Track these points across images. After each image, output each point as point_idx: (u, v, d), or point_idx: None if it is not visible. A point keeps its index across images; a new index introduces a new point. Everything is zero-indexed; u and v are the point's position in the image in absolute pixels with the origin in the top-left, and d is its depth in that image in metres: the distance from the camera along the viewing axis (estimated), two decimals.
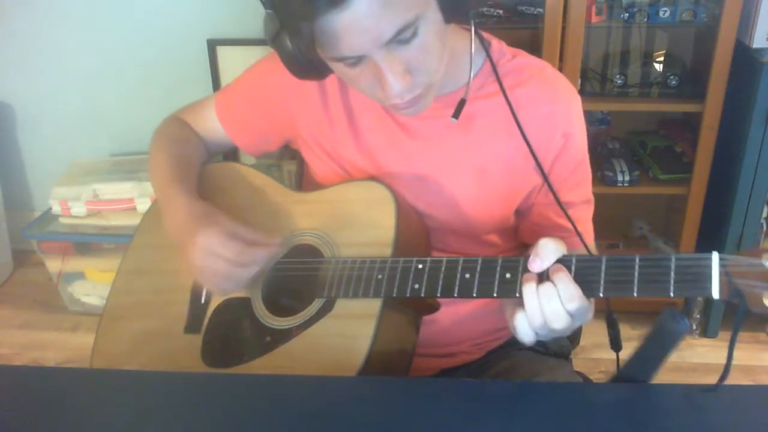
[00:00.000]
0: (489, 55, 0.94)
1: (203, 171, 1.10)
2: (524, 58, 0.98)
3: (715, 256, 0.67)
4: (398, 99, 0.82)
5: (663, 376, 0.77)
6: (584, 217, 1.02)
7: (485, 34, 0.98)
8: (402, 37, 0.77)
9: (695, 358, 1.97)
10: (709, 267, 0.67)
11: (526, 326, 0.76)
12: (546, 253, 0.75)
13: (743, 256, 0.66)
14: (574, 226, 0.93)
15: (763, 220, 1.89)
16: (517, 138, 0.93)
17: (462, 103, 0.90)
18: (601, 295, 0.72)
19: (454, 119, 0.90)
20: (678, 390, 0.75)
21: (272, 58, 1.05)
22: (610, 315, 0.92)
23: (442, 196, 0.97)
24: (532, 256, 0.75)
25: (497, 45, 0.98)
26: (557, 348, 1.10)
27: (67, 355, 2.11)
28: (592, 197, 1.03)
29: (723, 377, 0.70)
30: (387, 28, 0.75)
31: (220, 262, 0.88)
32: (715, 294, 0.66)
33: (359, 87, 0.85)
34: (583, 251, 0.93)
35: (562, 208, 0.92)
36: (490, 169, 0.96)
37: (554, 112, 0.95)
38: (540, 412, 0.74)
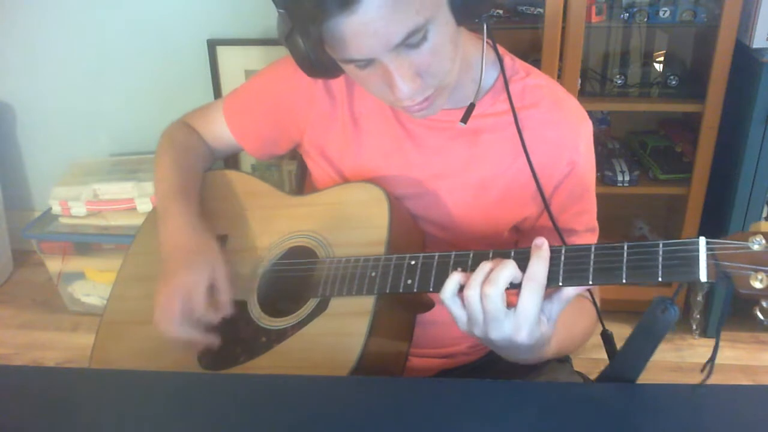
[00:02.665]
0: (503, 71, 0.93)
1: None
2: (536, 77, 0.97)
3: (702, 240, 0.68)
4: (409, 101, 0.82)
5: (663, 376, 0.77)
6: None
7: (500, 49, 0.97)
8: (411, 41, 0.76)
9: (695, 358, 1.97)
10: (696, 251, 0.68)
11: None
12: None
13: (730, 240, 0.67)
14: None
15: (763, 220, 1.89)
16: (521, 159, 0.93)
17: (471, 107, 0.90)
18: (591, 282, 0.72)
19: (462, 123, 0.90)
20: (677, 390, 0.75)
21: (281, 63, 1.05)
22: (604, 332, 0.92)
23: (438, 205, 0.97)
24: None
25: (510, 62, 0.97)
26: None
27: (67, 355, 2.11)
28: (596, 226, 1.02)
29: (710, 363, 0.70)
30: (396, 31, 0.75)
31: (175, 310, 0.90)
32: (703, 277, 0.67)
33: (370, 89, 0.85)
34: None
35: (560, 235, 0.92)
36: (490, 185, 0.96)
37: (562, 138, 0.94)
38: (540, 412, 0.74)
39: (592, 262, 0.73)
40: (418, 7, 0.74)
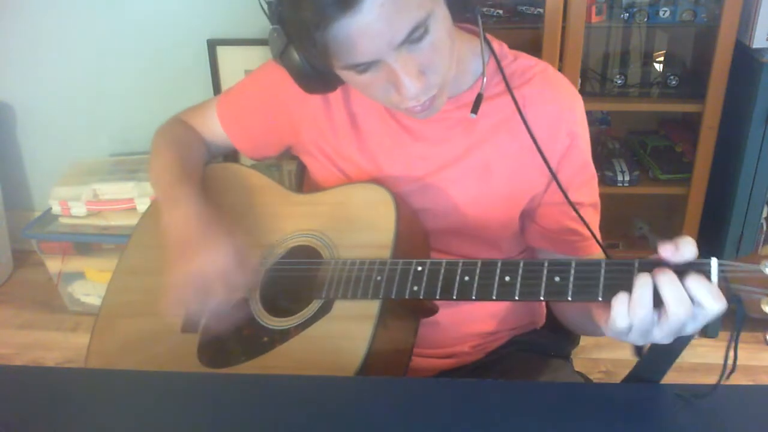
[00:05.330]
0: (494, 54, 0.94)
1: (204, 172, 1.10)
2: (525, 59, 0.98)
3: (714, 261, 0.67)
4: (414, 101, 0.82)
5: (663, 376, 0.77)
6: (592, 221, 1.00)
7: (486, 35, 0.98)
8: (414, 36, 0.76)
9: (695, 358, 1.97)
10: (708, 273, 0.67)
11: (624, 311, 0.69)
12: (688, 251, 0.68)
13: (742, 261, 0.66)
14: (586, 224, 0.92)
15: (763, 220, 1.89)
16: (521, 138, 0.93)
17: (479, 98, 0.90)
18: (600, 299, 0.72)
19: (473, 115, 0.90)
20: (677, 390, 0.75)
21: (273, 64, 1.05)
22: None
23: (445, 198, 0.97)
24: (668, 245, 0.69)
25: (498, 47, 0.98)
26: (557, 348, 1.10)
27: (67, 355, 2.11)
28: (598, 201, 1.02)
29: (721, 381, 0.70)
30: (400, 28, 0.75)
31: (187, 300, 0.89)
32: None
33: (372, 93, 0.85)
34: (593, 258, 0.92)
35: (572, 204, 0.91)
36: (494, 169, 0.96)
37: (559, 111, 0.95)
38: (540, 412, 0.74)
39: (602, 278, 0.72)
40: (418, 2, 0.74)
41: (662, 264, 0.69)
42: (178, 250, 0.92)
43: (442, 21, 0.79)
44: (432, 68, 0.81)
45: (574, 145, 0.95)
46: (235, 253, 0.91)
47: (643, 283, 0.67)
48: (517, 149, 0.95)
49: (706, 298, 0.65)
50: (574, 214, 0.93)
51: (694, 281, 0.66)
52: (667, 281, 0.66)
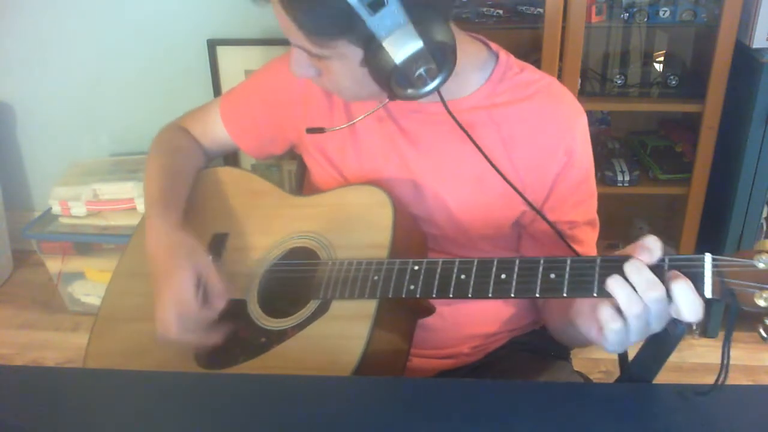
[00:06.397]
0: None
1: (201, 175, 1.11)
2: (531, 72, 0.97)
3: (707, 257, 0.68)
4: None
5: (663, 376, 0.77)
6: (588, 239, 1.00)
7: (493, 46, 0.98)
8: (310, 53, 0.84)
9: (695, 358, 1.97)
10: (702, 268, 0.68)
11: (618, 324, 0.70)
12: (656, 247, 0.70)
13: (735, 257, 0.67)
14: (572, 248, 0.92)
15: (763, 220, 1.89)
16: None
17: None
18: (595, 294, 0.72)
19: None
20: (677, 390, 0.75)
21: (276, 62, 1.06)
22: None
23: (438, 203, 0.97)
24: (639, 249, 0.70)
25: (504, 57, 0.97)
26: (557, 348, 1.10)
27: (67, 355, 2.11)
28: (596, 219, 1.01)
29: (721, 378, 0.70)
30: (294, 37, 0.83)
31: (172, 319, 0.89)
32: (708, 294, 0.67)
33: None
34: None
35: (555, 229, 0.91)
36: (488, 179, 0.95)
37: (558, 129, 0.95)
38: (540, 412, 0.74)
39: (597, 275, 0.72)
40: (310, 44, 0.81)
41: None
42: (153, 272, 0.94)
43: (344, 69, 0.84)
44: (324, 76, 0.88)
45: (571, 163, 0.95)
46: (203, 265, 0.92)
47: (617, 285, 0.69)
48: (510, 164, 0.94)
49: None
50: (568, 230, 0.94)
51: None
52: (634, 269, 0.69)
